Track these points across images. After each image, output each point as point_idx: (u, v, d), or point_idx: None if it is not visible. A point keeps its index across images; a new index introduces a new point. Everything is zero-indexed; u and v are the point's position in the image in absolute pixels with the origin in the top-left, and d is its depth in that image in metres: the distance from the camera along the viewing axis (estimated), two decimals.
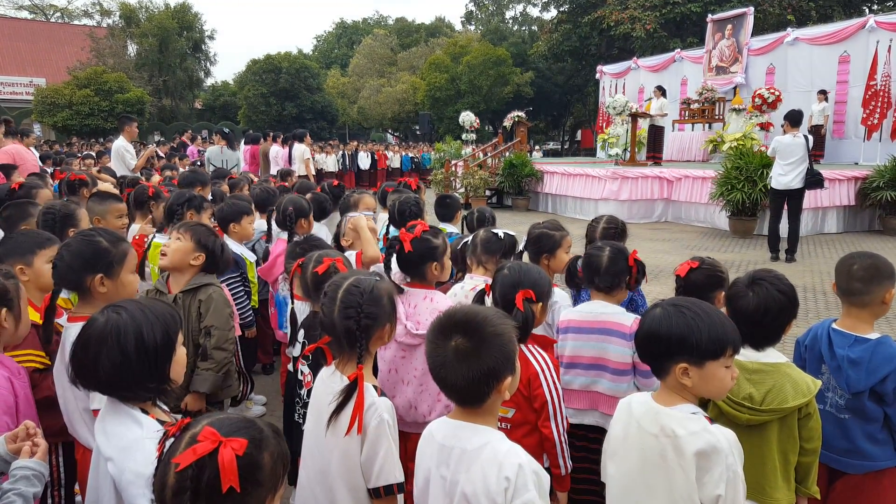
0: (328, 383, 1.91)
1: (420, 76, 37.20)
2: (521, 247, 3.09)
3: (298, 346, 2.75)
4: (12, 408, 1.92)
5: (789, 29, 16.53)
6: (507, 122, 16.87)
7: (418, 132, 37.71)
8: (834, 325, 2.37)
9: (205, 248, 2.84)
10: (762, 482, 1.99)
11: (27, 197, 3.92)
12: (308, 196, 4.45)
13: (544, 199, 14.88)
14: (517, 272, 2.26)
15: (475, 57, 34.15)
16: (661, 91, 15.10)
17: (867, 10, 24.68)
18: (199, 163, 11.61)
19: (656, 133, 14.53)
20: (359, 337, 1.84)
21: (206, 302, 2.78)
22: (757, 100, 13.71)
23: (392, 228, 4.13)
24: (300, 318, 2.80)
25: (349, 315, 1.84)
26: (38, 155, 9.32)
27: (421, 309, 2.59)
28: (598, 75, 23.49)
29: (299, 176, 9.49)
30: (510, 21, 48.59)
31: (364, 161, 23.41)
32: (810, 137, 8.62)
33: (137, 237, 4.03)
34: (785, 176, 8.27)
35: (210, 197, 5.06)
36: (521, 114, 16.70)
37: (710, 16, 18.92)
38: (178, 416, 1.46)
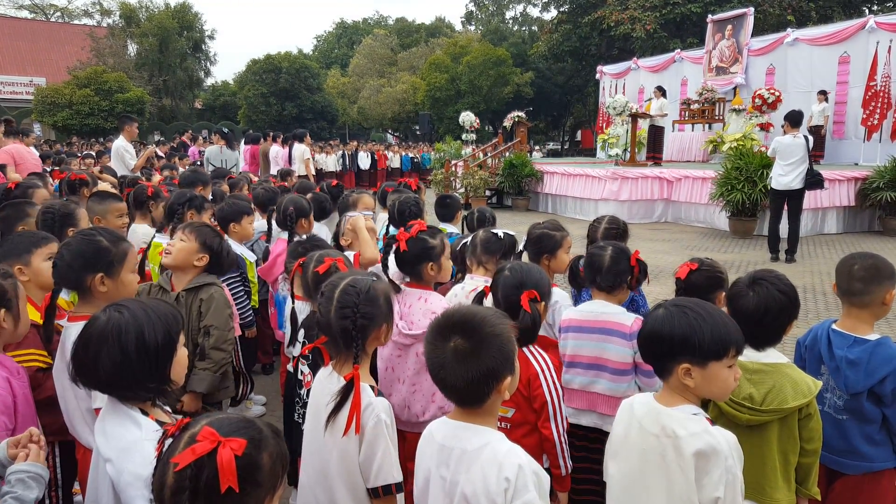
0: (325, 384, 1.91)
1: (420, 76, 37.21)
2: (520, 247, 3.09)
3: (299, 346, 2.75)
4: (10, 407, 1.92)
5: (789, 29, 16.52)
6: (507, 123, 16.87)
7: (418, 132, 37.71)
8: (834, 326, 2.37)
9: (209, 249, 2.85)
10: (762, 482, 1.99)
11: (24, 197, 3.92)
12: (308, 196, 4.45)
13: (544, 199, 14.88)
14: (519, 273, 2.26)
15: (475, 57, 34.16)
16: (661, 91, 15.10)
17: (867, 11, 24.69)
18: (198, 163, 11.62)
19: (656, 133, 14.54)
20: (355, 337, 1.84)
21: (207, 301, 2.78)
22: (757, 100, 13.71)
23: (392, 228, 4.12)
24: (301, 317, 2.80)
25: (345, 315, 1.84)
26: (37, 154, 9.30)
27: (415, 309, 2.60)
28: (598, 76, 23.50)
29: (299, 176, 9.49)
30: (510, 21, 48.62)
31: (364, 161, 23.41)
32: (810, 138, 8.62)
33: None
34: (785, 176, 8.27)
35: (210, 197, 5.06)
36: (521, 114, 16.70)
37: (710, 16, 18.92)
38: (179, 417, 1.46)
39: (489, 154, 16.06)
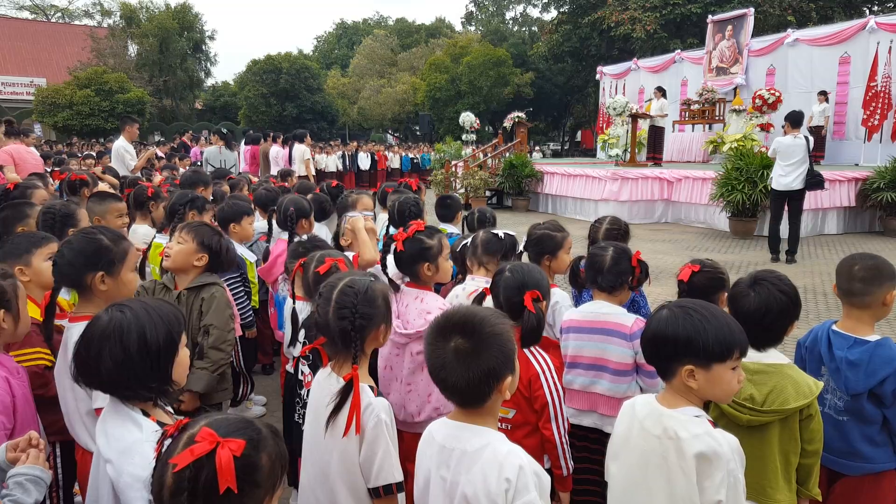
0: (324, 385, 1.91)
1: (420, 77, 37.20)
2: (521, 247, 3.08)
3: (299, 346, 2.74)
4: (9, 407, 1.92)
5: (789, 30, 16.52)
6: (507, 123, 16.88)
7: (418, 133, 37.71)
8: (834, 327, 2.36)
9: (208, 248, 2.84)
10: (763, 483, 1.98)
11: (23, 197, 3.92)
12: (308, 197, 4.45)
13: (544, 199, 14.88)
14: (520, 273, 2.26)
15: (475, 57, 34.14)
16: (662, 92, 15.10)
17: (867, 11, 24.65)
18: (198, 163, 11.62)
19: (656, 134, 14.54)
20: (353, 338, 1.84)
21: (209, 301, 2.78)
22: (757, 101, 13.72)
23: (392, 229, 4.12)
24: (302, 318, 2.80)
25: (343, 316, 1.84)
26: (38, 154, 9.30)
27: (411, 309, 2.61)
28: (598, 76, 23.51)
29: (299, 176, 9.49)
30: (510, 22, 48.61)
31: (364, 161, 23.42)
32: (811, 138, 8.62)
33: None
34: (785, 177, 8.27)
35: (211, 197, 5.06)
36: (522, 114, 16.70)
37: (710, 17, 18.92)
38: (180, 418, 1.46)
39: (489, 154, 16.06)
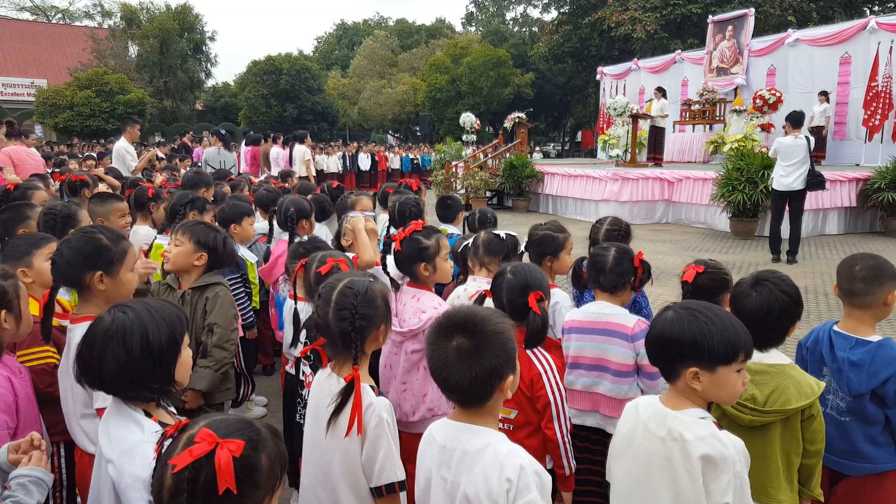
0: (325, 385, 1.91)
1: (420, 77, 37.23)
2: (522, 248, 3.08)
3: (301, 347, 2.74)
4: (11, 406, 1.92)
5: (790, 30, 16.52)
6: (507, 124, 16.88)
7: (419, 133, 37.72)
8: (835, 328, 2.36)
9: (205, 246, 2.84)
10: (765, 483, 1.98)
11: (23, 198, 3.91)
12: (308, 197, 4.45)
13: (545, 200, 14.88)
14: (523, 274, 2.26)
15: (475, 58, 34.16)
16: (662, 92, 15.10)
17: (868, 12, 24.66)
18: (198, 164, 11.62)
19: (657, 134, 14.54)
20: (354, 338, 1.84)
21: (213, 300, 2.79)
22: (758, 101, 13.72)
23: (393, 229, 4.12)
24: (304, 318, 2.80)
25: (343, 317, 1.84)
26: (39, 155, 9.29)
27: (408, 307, 2.62)
28: (598, 76, 23.51)
29: (300, 177, 9.49)
30: (510, 22, 48.65)
31: (364, 162, 23.43)
32: (811, 139, 8.62)
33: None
34: (786, 177, 8.26)
35: (212, 198, 5.06)
36: (522, 115, 16.70)
37: (710, 17, 18.92)
38: (183, 418, 1.46)
39: (490, 155, 16.06)
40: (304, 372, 2.63)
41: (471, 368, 1.48)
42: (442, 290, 3.20)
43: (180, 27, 38.11)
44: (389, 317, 1.98)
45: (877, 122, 13.63)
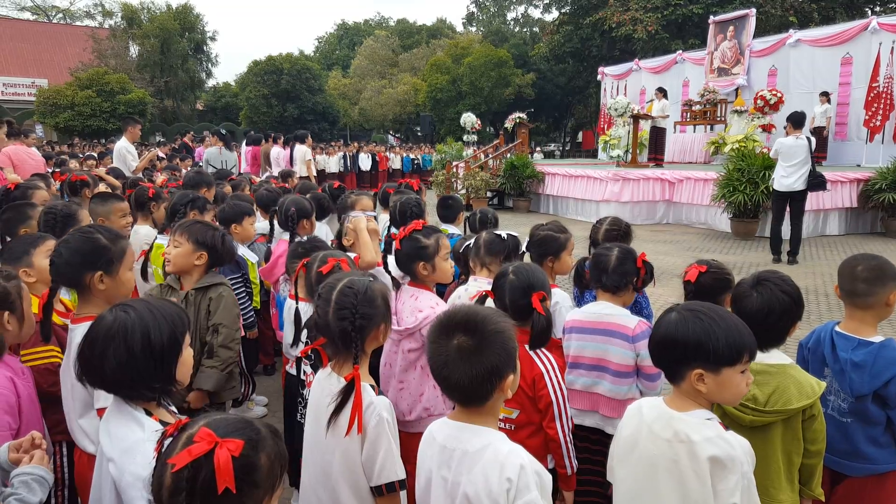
0: (325, 385, 1.91)
1: (421, 77, 37.22)
2: (523, 248, 3.08)
3: (302, 346, 2.74)
4: (14, 407, 1.92)
5: (791, 30, 16.50)
6: (508, 124, 16.88)
7: (419, 133, 37.71)
8: (837, 328, 2.35)
9: (204, 245, 2.84)
10: (766, 484, 1.98)
11: (24, 198, 3.91)
12: (307, 195, 4.45)
13: (545, 200, 14.88)
14: (525, 275, 2.25)
15: (476, 58, 34.15)
16: (663, 92, 15.10)
17: (869, 12, 24.65)
18: (199, 164, 11.63)
19: (658, 135, 14.54)
20: (354, 338, 1.85)
21: (217, 300, 2.79)
22: (759, 101, 13.71)
23: (394, 229, 4.12)
24: (304, 318, 2.80)
25: (343, 316, 1.84)
26: (39, 155, 9.29)
27: (406, 306, 2.62)
28: (599, 77, 23.51)
29: (300, 177, 9.49)
30: (511, 22, 48.63)
31: (365, 162, 23.44)
32: (812, 139, 8.62)
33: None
34: (787, 178, 8.26)
35: (213, 198, 5.06)
36: (523, 115, 16.72)
37: (711, 17, 18.90)
38: (184, 417, 1.46)
39: (490, 155, 16.06)
40: (304, 371, 2.63)
41: (471, 367, 1.48)
42: (443, 291, 3.20)
43: (181, 27, 38.09)
44: (389, 316, 1.99)
45: (878, 123, 13.62)
